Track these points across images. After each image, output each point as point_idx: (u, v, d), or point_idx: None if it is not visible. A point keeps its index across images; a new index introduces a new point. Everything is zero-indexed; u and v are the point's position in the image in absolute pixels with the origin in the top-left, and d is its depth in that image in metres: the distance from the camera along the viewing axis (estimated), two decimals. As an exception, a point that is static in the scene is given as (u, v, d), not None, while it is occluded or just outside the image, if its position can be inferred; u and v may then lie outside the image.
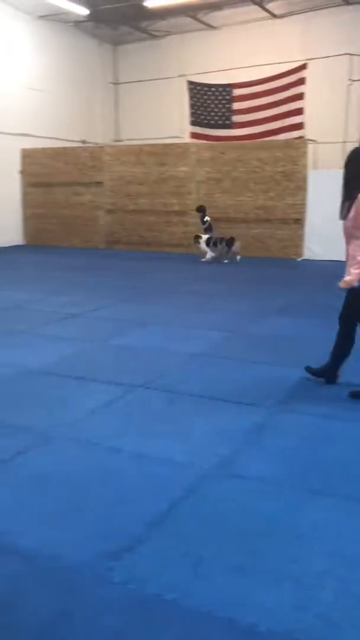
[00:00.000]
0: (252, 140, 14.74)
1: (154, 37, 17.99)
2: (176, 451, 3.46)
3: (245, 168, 13.49)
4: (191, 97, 17.20)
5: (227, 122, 16.53)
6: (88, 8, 15.22)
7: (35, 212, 16.14)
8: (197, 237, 12.58)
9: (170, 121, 17.98)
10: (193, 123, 17.26)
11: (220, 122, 16.75)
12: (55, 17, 15.98)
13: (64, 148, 15.86)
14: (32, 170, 15.99)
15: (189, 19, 16.72)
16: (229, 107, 16.44)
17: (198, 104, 17.05)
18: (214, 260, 12.30)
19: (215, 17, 16.68)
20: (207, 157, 13.87)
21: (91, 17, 16.13)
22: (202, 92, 16.95)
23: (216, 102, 16.71)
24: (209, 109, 16.91)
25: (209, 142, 15.63)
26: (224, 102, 16.60)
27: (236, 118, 16.32)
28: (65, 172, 15.58)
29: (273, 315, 7.22)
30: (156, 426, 3.84)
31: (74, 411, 4.08)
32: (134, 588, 2.28)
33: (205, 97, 16.91)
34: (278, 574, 2.37)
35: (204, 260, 12.33)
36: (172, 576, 2.35)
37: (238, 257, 12.39)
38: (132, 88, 18.79)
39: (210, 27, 16.93)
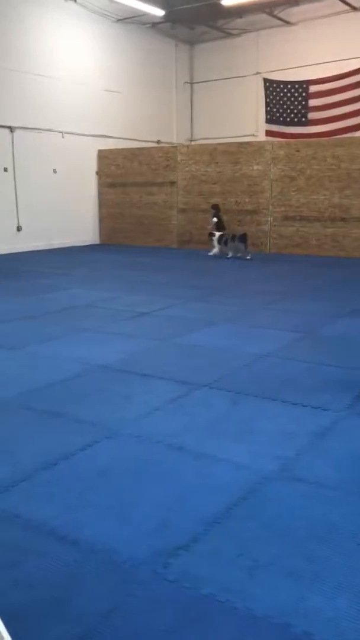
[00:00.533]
0: (328, 137, 14.42)
1: (230, 35, 17.93)
2: (238, 452, 3.42)
3: (320, 166, 13.21)
4: (267, 95, 17.05)
5: (303, 119, 16.28)
6: (165, 9, 15.37)
7: (110, 212, 16.48)
8: (211, 234, 13.22)
9: (245, 120, 17.89)
10: (268, 121, 17.10)
11: (295, 119, 16.52)
12: (133, 20, 16.25)
13: (139, 148, 16.09)
14: (108, 170, 16.34)
15: (265, 16, 16.56)
16: (305, 104, 16.20)
17: (274, 101, 16.89)
18: (223, 256, 12.83)
19: (291, 12, 16.44)
20: (282, 154, 13.67)
21: (168, 18, 16.28)
22: (278, 89, 16.77)
23: (292, 99, 16.48)
24: (284, 107, 16.71)
25: (284, 139, 15.43)
26: (299, 99, 16.35)
27: (312, 115, 16.06)
28: (139, 173, 15.81)
29: (346, 317, 7.03)
30: (219, 426, 3.82)
31: (138, 408, 4.12)
32: (189, 587, 2.28)
33: (281, 94, 16.71)
34: (337, 583, 2.30)
35: (210, 254, 13.09)
36: (227, 577, 2.33)
37: (249, 255, 12.59)
38: (207, 87, 18.82)
39: (287, 23, 16.69)
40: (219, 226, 13.47)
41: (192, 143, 18.35)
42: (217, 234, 13.11)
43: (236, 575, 2.35)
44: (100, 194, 16.57)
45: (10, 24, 13.69)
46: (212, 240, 13.11)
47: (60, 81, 15.02)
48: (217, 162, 14.56)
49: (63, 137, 15.50)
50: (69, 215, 15.81)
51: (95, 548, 2.53)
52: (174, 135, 18.78)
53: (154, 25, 17.02)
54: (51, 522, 2.71)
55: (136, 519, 2.75)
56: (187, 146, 16.06)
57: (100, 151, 16.34)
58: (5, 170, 14.19)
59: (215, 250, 13.02)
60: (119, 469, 3.24)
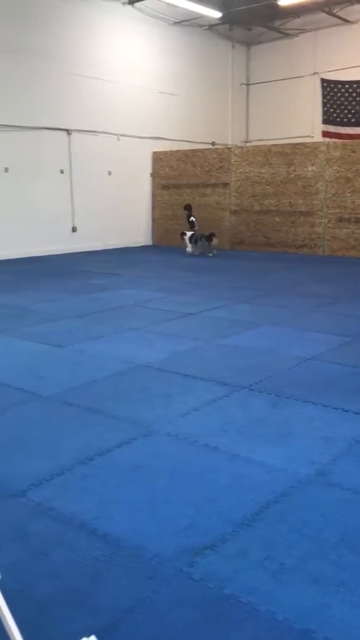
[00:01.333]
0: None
1: (287, 35, 17.77)
2: (274, 455, 3.40)
3: (377, 167, 12.92)
4: (324, 95, 16.81)
5: (361, 119, 15.96)
6: (221, 11, 15.37)
7: (163, 214, 16.60)
8: (183, 233, 14.30)
9: (301, 120, 17.70)
10: (325, 121, 16.86)
11: (353, 119, 16.21)
12: (189, 22, 16.33)
13: (193, 150, 16.15)
14: (163, 172, 16.47)
15: (323, 15, 16.33)
16: (363, 104, 15.87)
17: (331, 101, 16.63)
18: (193, 254, 13.81)
19: (351, 11, 16.15)
20: (337, 156, 13.44)
21: (225, 20, 16.28)
22: (336, 89, 16.50)
23: (350, 99, 16.19)
24: (342, 107, 16.44)
25: (341, 140, 15.16)
26: (358, 98, 16.03)
27: (371, 115, 15.71)
28: (193, 174, 15.87)
29: None
30: (257, 428, 3.80)
31: (177, 407, 4.15)
32: (212, 586, 2.28)
33: (339, 94, 16.44)
34: (365, 591, 2.25)
35: (187, 252, 13.98)
36: (252, 579, 2.32)
37: (215, 251, 13.86)
38: (263, 88, 18.72)
39: (346, 21, 16.39)
40: (192, 226, 14.43)
41: (247, 145, 18.28)
42: (189, 233, 14.12)
43: (261, 577, 2.34)
44: (154, 196, 16.72)
45: (67, 29, 14.00)
46: (184, 239, 14.14)
47: (117, 84, 15.25)
48: (271, 164, 14.45)
49: (119, 139, 15.74)
50: (123, 216, 16.04)
51: (123, 543, 2.56)
52: (229, 137, 18.76)
53: (210, 27, 17.05)
54: (83, 516, 2.77)
55: (166, 517, 2.77)
56: (242, 148, 16.00)
57: (155, 153, 16.49)
58: (62, 172, 14.52)
59: (189, 249, 13.97)
60: (153, 466, 3.28)
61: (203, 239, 13.83)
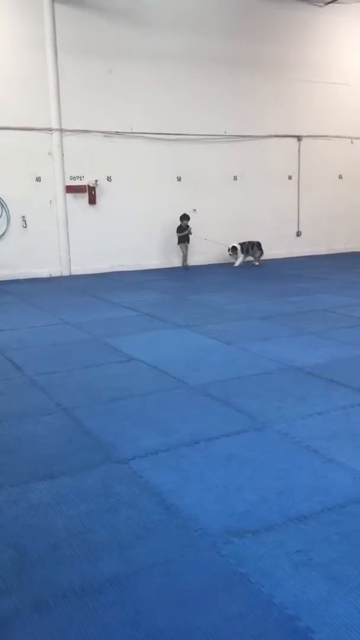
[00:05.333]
0: None
1: None
2: (372, 465, 3.38)
3: None
4: None
5: None
6: None
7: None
8: (234, 248, 13.55)
9: None
10: None
11: None
12: None
13: None
14: None
15: None
16: None
17: None
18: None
19: None
20: None
21: None
22: None
23: None
24: None
25: None
26: None
27: None
28: None
29: None
30: (371, 438, 3.76)
31: (302, 409, 4.27)
32: (233, 563, 2.51)
33: None
34: (382, 602, 2.26)
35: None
36: (272, 566, 2.48)
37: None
38: None
39: None
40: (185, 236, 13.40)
41: None
42: (237, 245, 13.48)
43: (282, 566, 2.48)
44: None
45: (295, 36, 14.25)
46: (236, 253, 13.55)
47: (349, 86, 15.03)
48: None
49: (352, 142, 15.50)
50: (353, 220, 15.75)
51: (181, 514, 2.90)
52: None
53: None
54: (162, 487, 3.17)
55: (231, 501, 3.02)
56: None
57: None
58: (290, 178, 14.86)
59: (240, 259, 13.54)
60: (245, 457, 3.52)
61: (254, 247, 13.58)
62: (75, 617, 2.21)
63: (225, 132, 13.75)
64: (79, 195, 12.50)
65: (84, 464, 3.49)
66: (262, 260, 13.71)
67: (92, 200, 12.62)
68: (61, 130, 12.11)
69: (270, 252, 14.25)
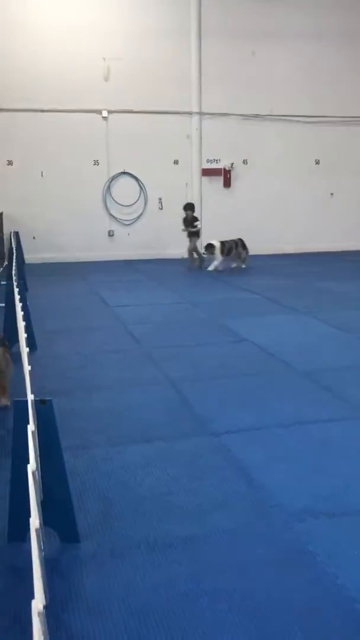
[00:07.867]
0: None
1: None
2: None
3: None
4: None
5: None
6: None
7: None
8: (210, 245, 10.79)
9: None
10: None
11: None
12: None
13: None
14: None
15: None
16: None
17: None
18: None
19: None
20: None
21: None
22: None
23: None
24: None
25: None
26: None
27: None
28: None
29: None
30: None
31: None
32: (302, 540, 2.54)
33: None
34: None
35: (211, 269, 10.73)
36: (340, 547, 2.48)
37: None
38: None
39: None
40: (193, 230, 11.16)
41: None
42: (216, 243, 10.73)
43: (349, 549, 2.48)
44: None
45: None
46: (210, 253, 10.83)
47: None
48: None
49: None
50: None
51: (264, 489, 2.97)
52: None
53: None
54: (248, 462, 3.26)
55: (317, 483, 3.03)
56: None
57: None
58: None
59: (216, 262, 10.77)
60: (340, 443, 3.49)
61: (239, 247, 10.90)
62: (143, 567, 2.38)
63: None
64: (214, 178, 12.67)
65: (179, 433, 3.66)
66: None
67: (227, 184, 12.73)
68: (200, 114, 12.32)
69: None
